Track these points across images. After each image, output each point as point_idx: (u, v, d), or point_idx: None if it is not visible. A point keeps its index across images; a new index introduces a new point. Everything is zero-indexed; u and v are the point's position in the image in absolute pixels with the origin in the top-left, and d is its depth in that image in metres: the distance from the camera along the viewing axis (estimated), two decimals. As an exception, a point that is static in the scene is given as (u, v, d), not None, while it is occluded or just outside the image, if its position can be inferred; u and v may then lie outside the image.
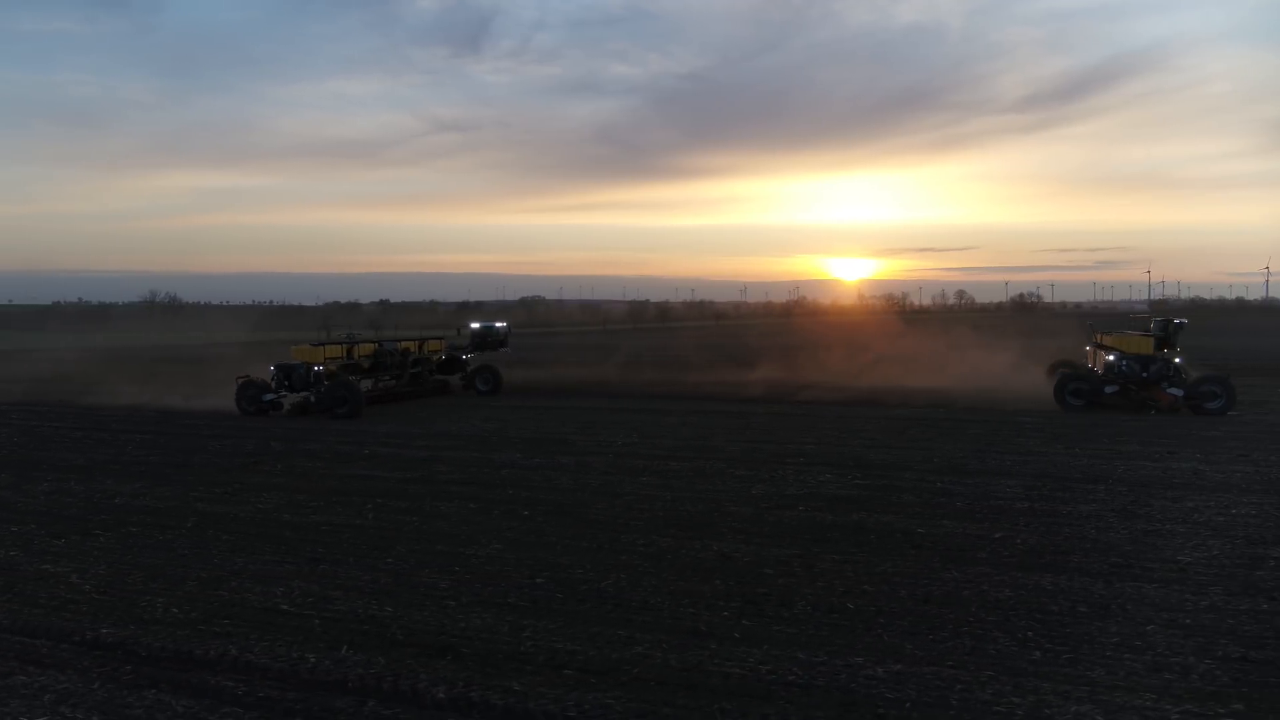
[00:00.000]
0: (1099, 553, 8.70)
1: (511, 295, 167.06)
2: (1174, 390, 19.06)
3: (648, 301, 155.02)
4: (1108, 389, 19.76)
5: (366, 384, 23.54)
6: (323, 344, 23.15)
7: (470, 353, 27.00)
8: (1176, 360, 19.35)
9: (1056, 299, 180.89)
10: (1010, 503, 10.90)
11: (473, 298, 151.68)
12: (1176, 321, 20.28)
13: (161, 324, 71.78)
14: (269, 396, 21.14)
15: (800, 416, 19.66)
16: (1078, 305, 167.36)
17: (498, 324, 27.95)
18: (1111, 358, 19.89)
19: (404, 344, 25.10)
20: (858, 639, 6.58)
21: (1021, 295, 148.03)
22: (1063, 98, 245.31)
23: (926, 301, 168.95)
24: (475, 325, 27.88)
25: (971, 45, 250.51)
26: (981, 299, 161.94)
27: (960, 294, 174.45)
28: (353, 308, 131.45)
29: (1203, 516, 10.10)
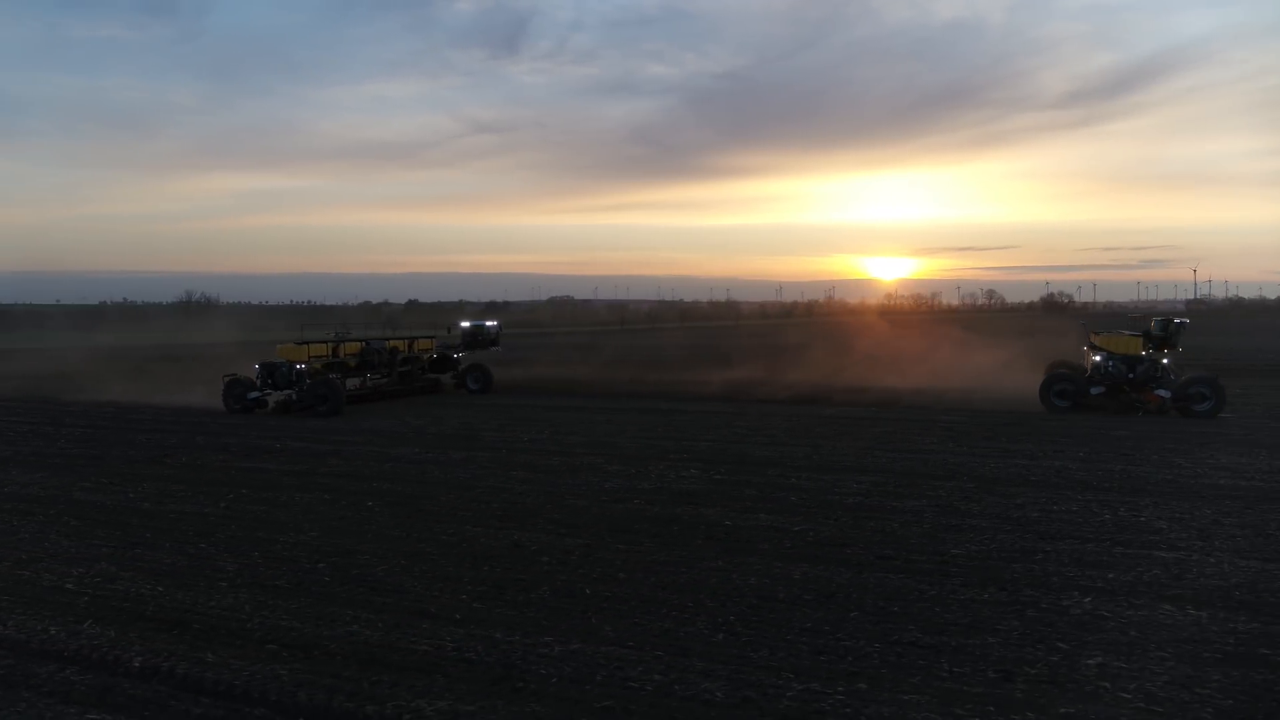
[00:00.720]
0: (879, 545, 8.94)
1: (547, 295, 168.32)
2: (1161, 392, 18.68)
3: (680, 300, 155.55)
4: (1093, 390, 19.33)
5: (354, 382, 24.12)
6: (306, 342, 23.61)
7: (461, 351, 27.48)
8: (1164, 361, 19.00)
9: (1099, 299, 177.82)
10: (844, 498, 11.14)
11: (509, 297, 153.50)
12: (1177, 321, 19.88)
13: (181, 324, 73.68)
14: (254, 395, 21.74)
15: (728, 414, 19.91)
16: (1108, 304, 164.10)
17: (488, 323, 28.39)
18: (1098, 358, 19.57)
19: (392, 343, 25.58)
20: (565, 621, 6.94)
21: (1052, 295, 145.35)
22: (1107, 93, 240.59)
23: (956, 302, 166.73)
24: (466, 324, 28.24)
25: (1013, 41, 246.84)
26: (1023, 299, 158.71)
27: (990, 294, 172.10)
28: (383, 307, 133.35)
29: (1018, 512, 10.26)
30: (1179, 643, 6.34)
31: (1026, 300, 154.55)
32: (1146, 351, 19.13)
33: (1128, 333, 19.93)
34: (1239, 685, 5.67)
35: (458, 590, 7.72)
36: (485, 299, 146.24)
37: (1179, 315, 20.75)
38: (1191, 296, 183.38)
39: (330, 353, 23.26)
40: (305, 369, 21.80)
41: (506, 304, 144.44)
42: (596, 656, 6.23)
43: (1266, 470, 12.58)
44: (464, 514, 10.55)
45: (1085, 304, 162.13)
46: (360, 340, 24.98)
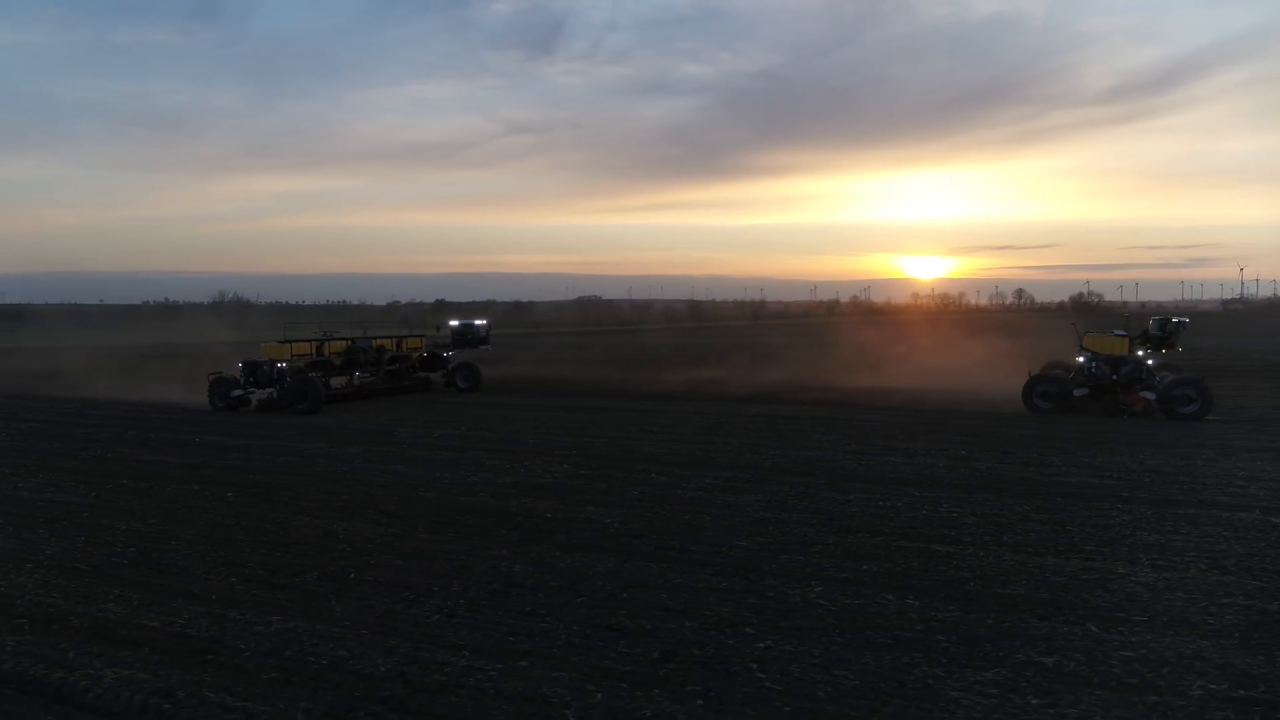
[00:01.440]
0: (671, 537, 9.23)
1: (581, 295, 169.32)
2: (1147, 394, 18.38)
3: (712, 300, 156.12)
4: (1076, 391, 19.04)
5: (341, 381, 24.64)
6: (289, 341, 24.10)
7: (451, 350, 27.90)
8: (1149, 363, 18.72)
9: (1142, 297, 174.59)
10: (685, 493, 11.42)
11: (541, 297, 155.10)
12: (1175, 320, 19.67)
13: (202, 323, 75.52)
14: (236, 393, 22.37)
15: (655, 412, 20.21)
16: (1144, 304, 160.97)
17: (478, 322, 28.87)
18: (1082, 359, 19.32)
19: (379, 341, 26.04)
20: (304, 602, 7.37)
21: (1080, 295, 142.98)
22: (1152, 88, 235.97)
23: (986, 301, 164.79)
24: (455, 323, 28.70)
25: (1054, 36, 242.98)
26: (1061, 298, 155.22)
27: (1019, 293, 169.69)
28: (399, 307, 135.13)
29: (840, 508, 10.48)
30: (862, 629, 6.59)
31: (1057, 300, 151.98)
32: (1144, 351, 18.79)
33: (1118, 333, 19.45)
34: (886, 667, 5.92)
35: (233, 573, 8.17)
36: (516, 299, 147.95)
37: (1178, 315, 20.35)
38: (1238, 295, 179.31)
39: (314, 351, 23.78)
40: (286, 367, 22.37)
41: (532, 303, 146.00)
42: (304, 634, 6.63)
43: (1133, 468, 12.62)
44: (308, 504, 11.03)
45: (1123, 303, 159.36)
46: (346, 339, 25.48)
